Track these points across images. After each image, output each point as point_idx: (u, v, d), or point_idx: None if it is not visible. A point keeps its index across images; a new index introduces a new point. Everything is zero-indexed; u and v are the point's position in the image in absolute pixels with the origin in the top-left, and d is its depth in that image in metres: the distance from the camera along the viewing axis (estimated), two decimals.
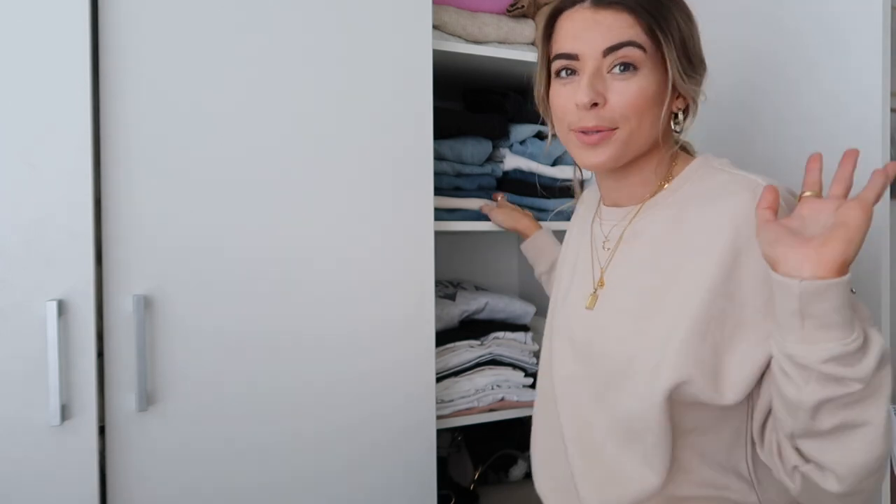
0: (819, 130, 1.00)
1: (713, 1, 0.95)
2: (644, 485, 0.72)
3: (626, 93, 0.73)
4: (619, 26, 0.72)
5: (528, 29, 1.39)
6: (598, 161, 0.76)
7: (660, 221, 0.77)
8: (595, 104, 0.73)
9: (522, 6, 1.36)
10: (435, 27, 1.26)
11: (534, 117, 1.40)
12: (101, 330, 0.95)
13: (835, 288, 0.57)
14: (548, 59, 0.79)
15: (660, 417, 0.69)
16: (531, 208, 1.41)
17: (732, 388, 0.69)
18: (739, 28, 0.91)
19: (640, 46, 0.72)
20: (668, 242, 0.75)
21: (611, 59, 0.73)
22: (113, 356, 0.96)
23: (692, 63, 0.75)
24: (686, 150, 0.84)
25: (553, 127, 0.83)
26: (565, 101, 0.76)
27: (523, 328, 1.38)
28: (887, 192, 0.93)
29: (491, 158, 1.40)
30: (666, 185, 0.79)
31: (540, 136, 1.44)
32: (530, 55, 1.33)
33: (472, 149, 1.34)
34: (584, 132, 0.75)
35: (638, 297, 0.76)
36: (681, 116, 0.78)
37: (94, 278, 0.94)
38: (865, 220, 0.59)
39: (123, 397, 0.96)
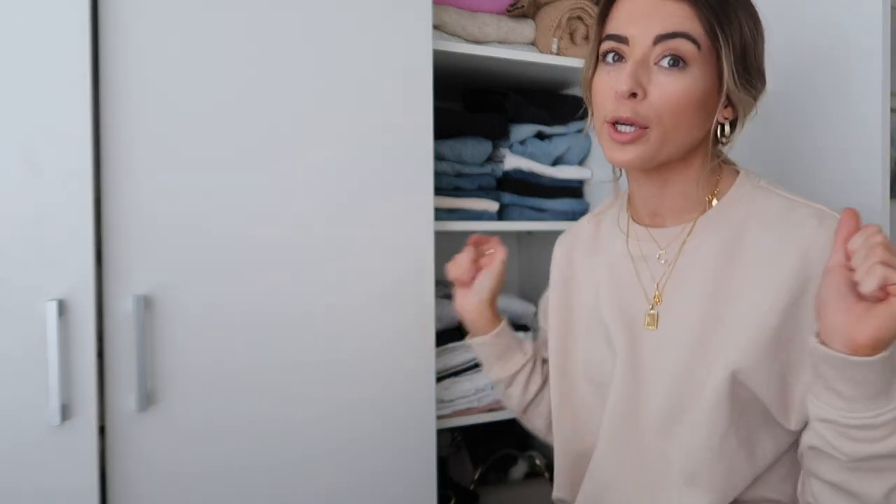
0: (819, 131, 1.00)
1: None
2: None
3: (668, 89, 0.68)
4: (677, 15, 0.68)
5: (528, 29, 1.39)
6: (626, 158, 0.71)
7: (717, 242, 0.74)
8: (634, 94, 0.68)
9: (522, 6, 1.36)
10: (435, 27, 1.26)
11: (534, 117, 1.41)
12: (101, 330, 0.95)
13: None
14: (599, 40, 0.74)
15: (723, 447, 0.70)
16: (531, 208, 1.41)
17: (797, 415, 0.69)
18: None
19: (693, 41, 0.67)
20: (728, 266, 0.73)
21: (661, 48, 0.68)
22: (113, 356, 0.96)
23: (749, 72, 0.71)
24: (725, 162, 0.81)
25: (591, 117, 0.79)
26: (606, 88, 0.72)
27: (523, 328, 1.38)
28: (887, 192, 0.93)
29: (491, 158, 1.41)
30: (714, 203, 0.76)
31: (540, 135, 1.44)
32: (530, 55, 1.33)
33: (472, 149, 1.34)
34: (616, 127, 0.71)
35: (699, 321, 0.73)
36: (727, 128, 0.74)
37: (94, 278, 0.93)
38: None
39: (123, 397, 0.96)
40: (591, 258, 0.89)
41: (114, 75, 0.95)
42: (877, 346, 0.56)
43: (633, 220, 0.84)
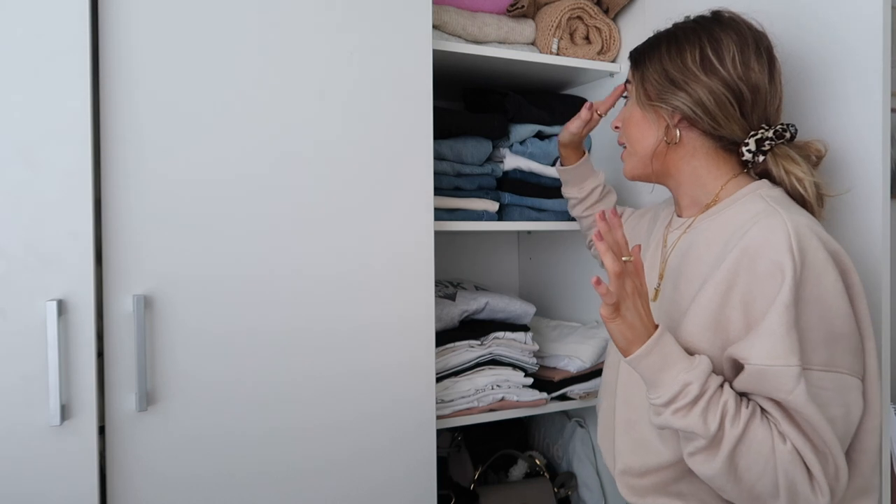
0: (819, 131, 1.00)
1: (714, 1, 0.95)
2: (657, 456, 0.88)
3: (622, 117, 1.01)
4: (628, 71, 0.99)
5: (528, 29, 1.39)
6: (623, 170, 1.02)
7: (703, 236, 0.90)
8: (617, 127, 1.03)
9: (522, 6, 1.36)
10: (435, 27, 1.26)
11: (534, 117, 1.41)
12: (101, 330, 0.95)
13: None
14: None
15: None
16: (531, 208, 1.41)
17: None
18: None
19: (629, 81, 0.99)
20: (703, 256, 0.87)
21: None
22: (113, 356, 0.96)
23: (675, 84, 0.89)
24: (764, 173, 0.92)
25: None
26: None
27: (523, 328, 1.38)
28: (887, 192, 0.93)
29: (491, 158, 1.40)
30: (714, 203, 0.91)
31: (540, 136, 1.44)
32: (530, 55, 1.33)
33: (472, 149, 1.34)
34: None
35: (676, 300, 0.90)
36: (675, 131, 0.92)
37: (94, 278, 0.93)
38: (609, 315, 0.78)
39: (123, 397, 0.96)
40: (650, 237, 1.07)
41: (114, 75, 0.95)
42: (623, 351, 0.79)
43: (676, 212, 1.02)
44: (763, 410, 0.77)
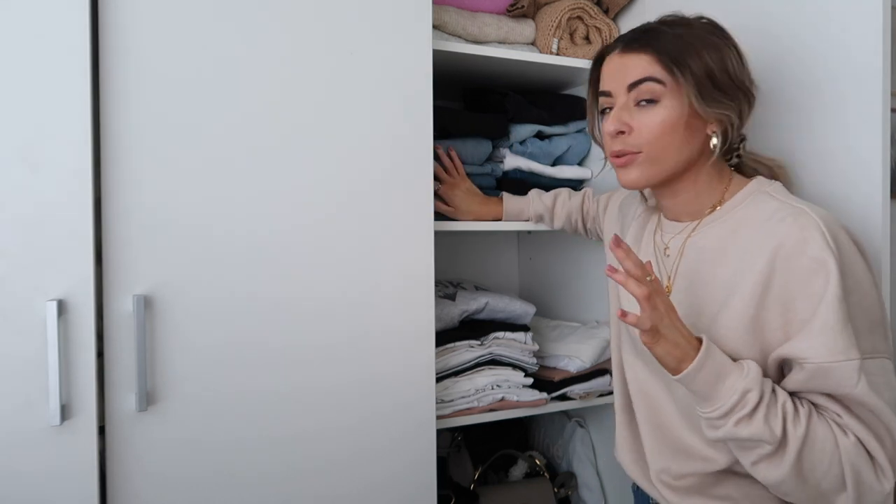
0: (819, 131, 1.00)
1: (719, 2, 0.95)
2: (708, 464, 0.86)
3: (647, 122, 0.85)
4: (641, 65, 0.85)
5: (528, 29, 1.39)
6: (629, 179, 0.89)
7: (716, 238, 0.87)
8: (621, 132, 0.87)
9: (522, 6, 1.36)
10: (435, 27, 1.26)
11: (534, 117, 1.41)
12: (101, 330, 0.95)
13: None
14: (595, 97, 0.95)
15: None
16: None
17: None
18: (738, 28, 0.91)
19: (659, 81, 0.84)
20: (724, 259, 0.85)
21: (634, 93, 0.86)
22: (113, 356, 0.96)
23: (721, 90, 0.83)
24: (744, 171, 0.94)
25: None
26: (606, 132, 0.90)
27: (523, 328, 1.38)
28: (887, 192, 0.93)
29: (491, 158, 1.41)
30: (720, 206, 0.89)
31: (540, 136, 1.44)
32: (530, 55, 1.33)
33: (472, 149, 1.34)
34: (616, 155, 0.88)
35: (698, 306, 0.87)
36: (715, 139, 0.86)
37: (94, 278, 0.93)
38: (647, 338, 0.75)
39: (123, 397, 0.96)
40: (637, 240, 1.02)
41: (114, 75, 0.95)
42: (674, 370, 0.77)
43: (666, 216, 0.99)
44: (815, 406, 0.77)
